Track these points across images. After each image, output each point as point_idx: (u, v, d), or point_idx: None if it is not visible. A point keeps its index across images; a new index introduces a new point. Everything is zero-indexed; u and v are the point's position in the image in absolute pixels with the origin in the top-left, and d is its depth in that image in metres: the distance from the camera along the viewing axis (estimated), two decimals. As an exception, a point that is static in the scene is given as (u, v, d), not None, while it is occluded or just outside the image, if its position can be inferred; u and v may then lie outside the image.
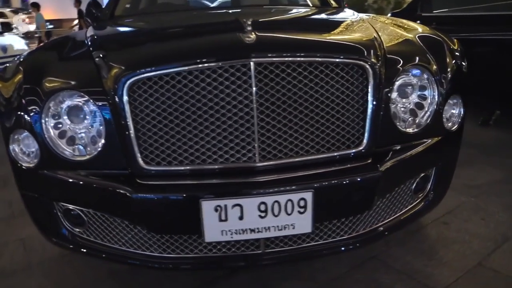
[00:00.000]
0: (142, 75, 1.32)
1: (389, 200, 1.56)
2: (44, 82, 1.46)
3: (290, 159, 1.39)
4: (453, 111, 1.65)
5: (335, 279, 1.73)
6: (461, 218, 2.14)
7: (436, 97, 1.55)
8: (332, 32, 1.65)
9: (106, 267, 1.85)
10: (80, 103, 1.41)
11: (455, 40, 1.83)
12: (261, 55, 1.31)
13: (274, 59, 1.32)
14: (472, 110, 3.87)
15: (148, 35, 1.92)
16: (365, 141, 1.42)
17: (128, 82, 1.32)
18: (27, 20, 14.29)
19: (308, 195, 1.31)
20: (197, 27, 1.93)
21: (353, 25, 1.78)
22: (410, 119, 1.53)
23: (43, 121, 1.41)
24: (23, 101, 1.45)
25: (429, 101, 1.55)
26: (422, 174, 1.62)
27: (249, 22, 1.42)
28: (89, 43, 1.72)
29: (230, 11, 2.36)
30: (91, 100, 1.39)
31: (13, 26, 10.34)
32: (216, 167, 1.37)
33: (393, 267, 1.78)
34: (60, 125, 1.42)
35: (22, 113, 1.44)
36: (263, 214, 1.31)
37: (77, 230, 1.54)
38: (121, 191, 1.34)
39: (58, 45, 1.97)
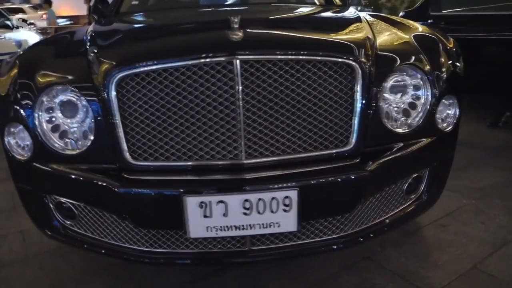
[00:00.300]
0: (130, 71, 1.33)
1: (380, 200, 1.54)
2: (38, 77, 1.48)
3: (277, 157, 1.38)
4: (449, 112, 1.62)
5: (326, 279, 1.72)
6: (460, 221, 2.11)
7: (429, 97, 1.52)
8: (323, 31, 1.64)
9: (101, 260, 1.87)
10: (73, 98, 1.44)
11: (452, 39, 1.80)
12: (247, 52, 1.31)
13: (260, 56, 1.32)
14: (481, 111, 3.84)
15: (140, 32, 1.94)
16: (353, 140, 1.41)
17: (116, 78, 1.33)
18: (44, 16, 14.55)
19: (293, 194, 1.30)
20: (190, 24, 1.94)
21: (347, 24, 1.76)
22: (402, 119, 1.51)
23: (36, 115, 1.44)
24: (18, 95, 1.47)
25: (422, 101, 1.53)
26: (415, 175, 1.60)
27: (237, 20, 1.42)
28: (87, 39, 1.74)
29: (230, 8, 2.35)
30: (83, 95, 1.41)
31: (29, 22, 10.53)
32: (202, 163, 1.37)
33: (386, 268, 1.77)
34: (53, 119, 1.45)
35: (16, 107, 1.46)
36: (247, 212, 1.31)
37: (68, 223, 1.56)
38: (109, 186, 1.36)
39: (58, 41, 2.00)
